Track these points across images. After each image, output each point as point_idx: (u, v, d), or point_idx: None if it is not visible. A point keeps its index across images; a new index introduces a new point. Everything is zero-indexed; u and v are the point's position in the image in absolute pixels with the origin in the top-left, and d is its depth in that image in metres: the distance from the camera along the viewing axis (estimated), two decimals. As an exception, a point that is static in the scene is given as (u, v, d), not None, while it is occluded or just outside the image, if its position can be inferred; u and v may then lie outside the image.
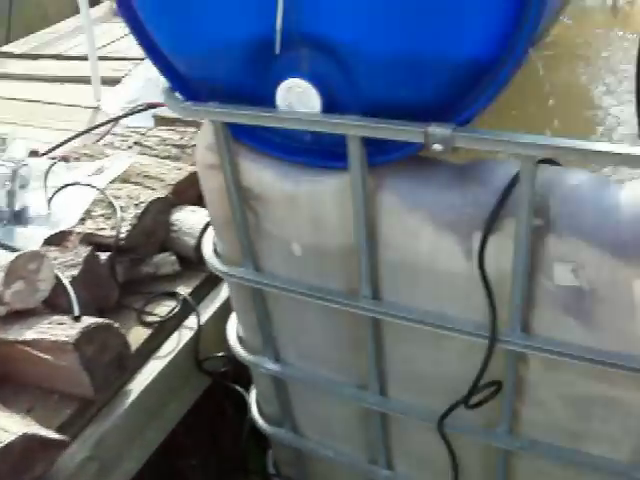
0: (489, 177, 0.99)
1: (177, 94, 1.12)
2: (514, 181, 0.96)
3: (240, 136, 1.11)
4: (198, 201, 1.68)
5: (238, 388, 1.74)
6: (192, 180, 1.74)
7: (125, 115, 2.36)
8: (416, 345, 1.16)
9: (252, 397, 1.68)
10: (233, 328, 1.48)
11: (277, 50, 0.95)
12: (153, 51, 1.10)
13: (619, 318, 0.97)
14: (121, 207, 1.65)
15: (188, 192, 1.78)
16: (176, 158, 1.92)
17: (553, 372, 1.09)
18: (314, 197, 1.07)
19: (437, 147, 0.89)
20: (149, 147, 1.99)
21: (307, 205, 1.09)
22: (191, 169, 1.82)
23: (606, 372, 1.01)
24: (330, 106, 0.98)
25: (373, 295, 1.13)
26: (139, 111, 2.36)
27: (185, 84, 1.12)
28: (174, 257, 1.67)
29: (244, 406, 1.70)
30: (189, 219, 1.70)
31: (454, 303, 1.09)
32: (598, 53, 1.67)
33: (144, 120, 2.33)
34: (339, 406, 1.42)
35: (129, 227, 1.61)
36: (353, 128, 0.93)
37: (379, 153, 1.00)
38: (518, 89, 0.83)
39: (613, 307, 0.97)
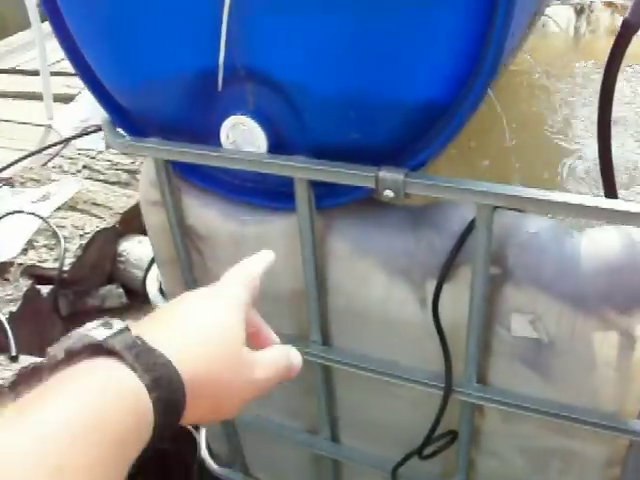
0: (444, 222, 0.94)
1: (117, 128, 1.05)
2: (470, 227, 0.91)
3: (184, 172, 1.05)
4: (143, 228, 1.61)
5: (188, 427, 1.67)
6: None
7: (76, 136, 2.28)
8: (368, 393, 1.11)
9: (202, 436, 1.61)
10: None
11: (219, 87, 0.89)
12: (90, 78, 1.03)
13: (578, 371, 0.93)
14: (65, 237, 1.58)
15: (136, 221, 1.71)
16: (126, 184, 1.86)
17: (510, 423, 1.05)
18: (261, 239, 1.01)
19: (388, 194, 0.84)
20: (98, 171, 1.92)
21: (254, 247, 1.02)
22: (141, 196, 1.75)
23: (564, 425, 0.96)
24: (277, 145, 0.93)
25: (323, 341, 1.08)
26: (90, 132, 2.28)
27: (125, 116, 1.05)
28: (121, 290, 1.60)
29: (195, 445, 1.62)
30: (136, 250, 1.63)
31: (407, 352, 1.04)
32: (558, 83, 1.64)
33: (95, 141, 2.26)
34: (291, 449, 1.36)
35: (73, 259, 1.54)
36: (300, 170, 0.88)
37: (328, 196, 0.95)
38: (475, 121, 0.78)
39: (572, 360, 0.93)
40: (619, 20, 0.96)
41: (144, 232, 1.71)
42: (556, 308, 0.90)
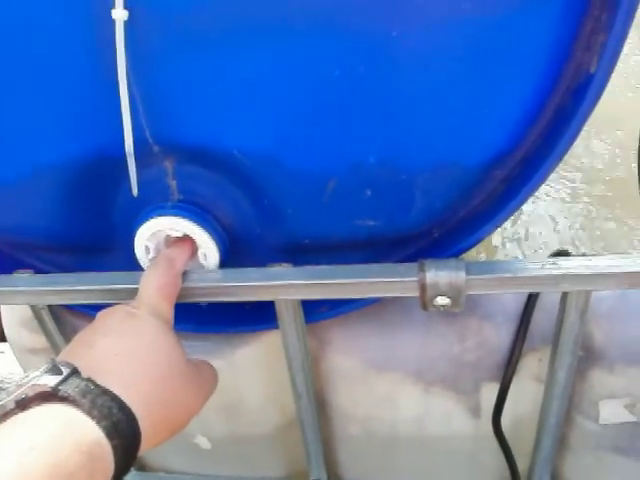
0: (489, 303, 0.65)
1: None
2: (530, 306, 0.63)
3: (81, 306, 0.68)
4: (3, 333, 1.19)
5: None
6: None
7: None
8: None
9: None
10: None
11: (134, 190, 0.54)
12: None
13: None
14: None
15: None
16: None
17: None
18: (222, 377, 0.67)
19: (442, 302, 0.53)
20: None
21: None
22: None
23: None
24: (231, 248, 0.59)
25: (329, 478, 0.77)
26: None
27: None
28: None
29: None
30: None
31: (451, 469, 0.75)
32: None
33: None
34: None
35: None
36: (298, 290, 0.55)
37: (318, 308, 0.63)
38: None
39: (681, 436, 0.69)
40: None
41: (4, 337, 1.28)
42: (663, 384, 0.65)
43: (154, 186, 0.57)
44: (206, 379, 0.55)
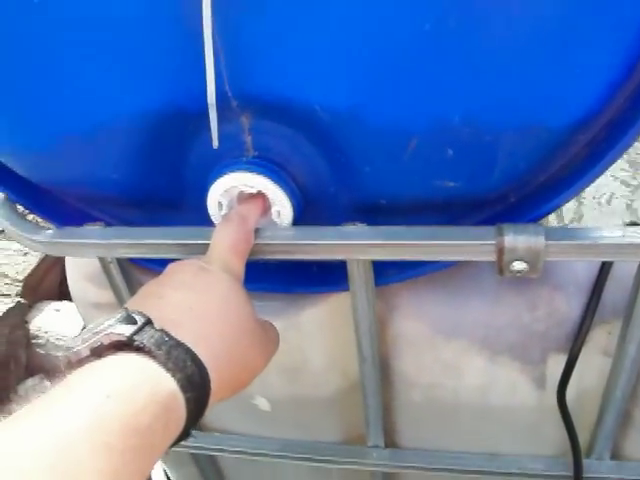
0: (561, 272, 0.64)
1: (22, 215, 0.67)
2: (604, 275, 0.62)
3: (149, 260, 0.69)
4: (60, 292, 1.21)
5: None
6: (46, 265, 1.25)
7: None
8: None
9: None
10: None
11: (214, 131, 0.54)
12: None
13: None
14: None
15: (44, 283, 1.29)
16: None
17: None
18: (287, 338, 0.67)
19: (518, 266, 0.52)
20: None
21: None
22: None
23: None
24: (305, 207, 0.59)
25: (386, 444, 0.77)
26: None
27: (32, 195, 0.67)
28: (47, 382, 1.19)
29: None
30: (56, 324, 1.22)
31: (512, 439, 0.75)
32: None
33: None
34: None
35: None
36: (371, 250, 0.55)
37: (387, 270, 0.63)
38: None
39: None
40: None
41: (57, 296, 1.31)
42: None
43: (229, 142, 0.57)
44: (271, 339, 0.55)
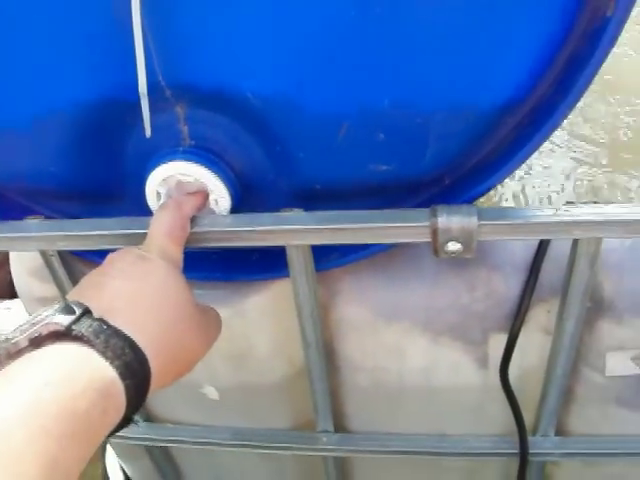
0: (499, 253, 0.65)
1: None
2: (541, 255, 0.64)
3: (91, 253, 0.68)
4: (10, 290, 1.19)
5: None
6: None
7: None
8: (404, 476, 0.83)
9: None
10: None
11: (146, 120, 0.54)
12: None
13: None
14: None
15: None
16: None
17: (592, 467, 0.81)
18: (231, 326, 0.68)
19: (453, 247, 0.53)
20: None
21: (221, 337, 0.69)
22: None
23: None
24: (243, 194, 0.59)
25: (336, 429, 0.78)
26: None
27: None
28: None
29: None
30: (6, 322, 1.21)
31: (457, 419, 0.76)
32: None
33: None
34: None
35: None
36: (307, 235, 0.55)
37: (327, 255, 0.63)
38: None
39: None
40: None
41: (12, 293, 1.28)
42: (671, 335, 0.65)
43: (166, 132, 0.57)
44: (212, 324, 0.55)
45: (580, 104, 0.53)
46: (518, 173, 1.10)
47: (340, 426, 0.78)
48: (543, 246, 0.64)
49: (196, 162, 0.57)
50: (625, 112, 1.22)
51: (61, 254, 0.66)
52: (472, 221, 0.52)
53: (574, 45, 0.50)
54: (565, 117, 0.53)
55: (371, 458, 0.80)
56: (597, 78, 0.50)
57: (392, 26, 0.47)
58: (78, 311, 0.42)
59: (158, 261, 0.51)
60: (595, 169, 1.10)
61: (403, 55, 0.47)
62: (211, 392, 0.76)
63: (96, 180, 0.63)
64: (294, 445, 0.78)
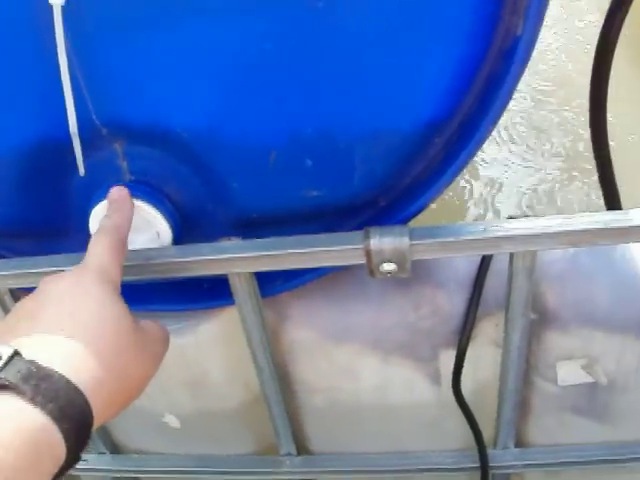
0: (442, 270, 0.66)
1: None
2: (483, 271, 0.65)
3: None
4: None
5: None
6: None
7: None
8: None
9: None
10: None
11: (81, 170, 0.55)
12: None
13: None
14: None
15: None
16: None
17: (554, 477, 0.82)
18: (185, 354, 0.69)
19: (388, 268, 0.55)
20: None
21: (177, 365, 0.70)
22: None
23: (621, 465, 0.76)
24: (184, 222, 0.60)
25: (299, 451, 0.78)
26: None
27: None
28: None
29: None
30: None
31: (416, 436, 0.77)
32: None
33: None
34: None
35: None
36: (246, 263, 0.56)
37: (272, 281, 0.64)
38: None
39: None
40: None
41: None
42: (616, 343, 0.67)
43: (105, 168, 0.59)
44: (157, 341, 0.53)
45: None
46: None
47: (303, 448, 0.79)
48: (486, 261, 0.65)
49: (136, 197, 0.58)
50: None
51: (12, 291, 0.67)
52: (404, 241, 0.53)
53: (491, 64, 0.52)
54: (489, 133, 0.55)
55: (335, 478, 0.81)
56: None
57: (307, 58, 0.48)
58: (5, 356, 0.40)
59: (95, 287, 0.48)
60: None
61: (319, 86, 0.49)
62: (172, 420, 0.77)
63: (43, 218, 0.64)
64: (258, 470, 0.79)
